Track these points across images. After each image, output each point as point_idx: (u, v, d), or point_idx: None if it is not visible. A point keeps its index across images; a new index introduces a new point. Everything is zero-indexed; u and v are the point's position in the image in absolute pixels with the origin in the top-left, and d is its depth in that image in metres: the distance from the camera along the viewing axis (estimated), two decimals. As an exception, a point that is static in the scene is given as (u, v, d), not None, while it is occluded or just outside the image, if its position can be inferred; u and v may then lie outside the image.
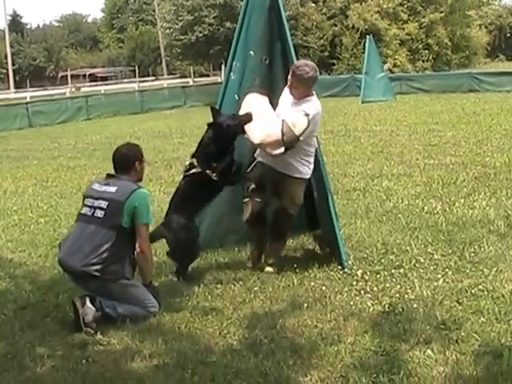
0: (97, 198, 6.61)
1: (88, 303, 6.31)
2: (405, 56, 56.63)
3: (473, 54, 66.72)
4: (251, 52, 8.03)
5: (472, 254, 7.81)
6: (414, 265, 7.56)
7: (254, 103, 7.63)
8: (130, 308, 6.51)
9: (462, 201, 10.45)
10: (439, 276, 7.17)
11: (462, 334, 5.75)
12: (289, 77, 7.45)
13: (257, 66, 8.10)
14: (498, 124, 20.60)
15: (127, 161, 6.75)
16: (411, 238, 8.52)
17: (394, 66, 53.72)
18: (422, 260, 7.68)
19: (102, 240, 6.43)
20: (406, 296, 6.71)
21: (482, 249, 7.98)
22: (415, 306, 6.44)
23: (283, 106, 7.66)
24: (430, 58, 58.90)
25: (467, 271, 7.28)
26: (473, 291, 6.69)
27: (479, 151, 15.59)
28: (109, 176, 6.82)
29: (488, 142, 16.79)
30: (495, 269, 7.24)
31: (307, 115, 7.31)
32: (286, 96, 7.68)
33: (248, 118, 7.39)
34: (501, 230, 8.75)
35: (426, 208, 10.14)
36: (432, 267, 7.46)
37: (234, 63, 8.07)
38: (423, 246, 8.15)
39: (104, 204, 6.52)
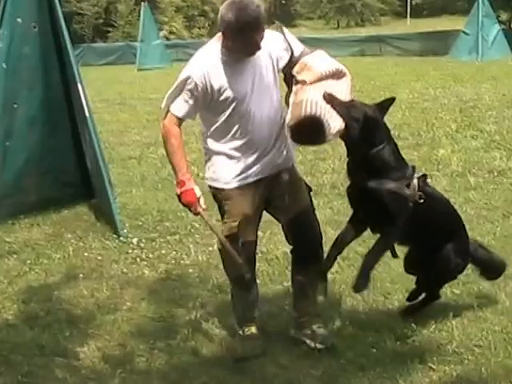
0: None
1: None
2: (181, 23, 56.80)
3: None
4: (19, 19, 7.78)
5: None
6: (190, 231, 7.67)
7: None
8: None
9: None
10: (214, 241, 7.25)
11: (238, 295, 5.91)
12: (255, 36, 4.47)
13: (25, 34, 7.87)
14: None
15: None
16: (187, 205, 8.59)
17: (170, 33, 53.78)
18: (198, 226, 7.75)
19: None
20: (182, 262, 6.82)
21: (256, 212, 8.18)
22: (191, 271, 6.56)
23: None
24: (206, 25, 59.43)
25: (241, 235, 7.45)
26: (247, 254, 6.85)
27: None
28: None
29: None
30: (269, 231, 7.36)
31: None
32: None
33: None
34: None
35: (200, 174, 10.04)
36: (207, 232, 7.54)
37: (0, 31, 7.78)
38: (199, 212, 8.24)
39: None
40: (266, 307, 5.55)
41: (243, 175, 4.77)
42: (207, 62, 4.60)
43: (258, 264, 6.41)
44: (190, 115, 4.69)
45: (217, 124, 4.72)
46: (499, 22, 33.73)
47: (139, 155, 11.94)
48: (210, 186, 4.93)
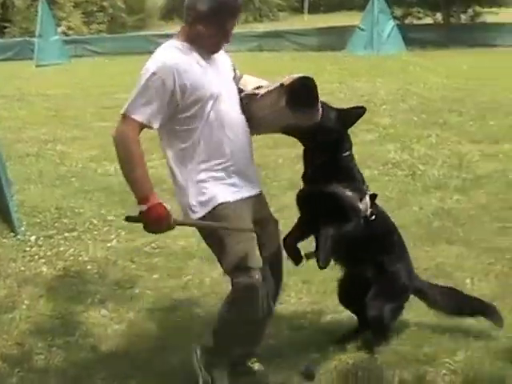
0: None
1: None
2: (79, 18, 56.02)
3: (148, 17, 67.54)
4: None
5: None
6: (88, 227, 7.66)
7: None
8: None
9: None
10: (113, 237, 7.31)
11: (136, 291, 5.96)
12: (230, 21, 4.15)
13: None
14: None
15: None
16: (85, 201, 8.58)
17: (69, 28, 52.97)
18: (96, 222, 7.78)
19: None
20: (80, 258, 6.80)
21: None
22: (89, 267, 6.56)
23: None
24: (105, 20, 58.79)
25: (140, 230, 7.40)
26: (146, 249, 6.92)
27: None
28: None
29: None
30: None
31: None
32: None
33: None
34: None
35: (99, 170, 10.24)
36: (106, 228, 7.58)
37: None
38: (97, 208, 8.21)
39: None
40: (165, 302, 5.67)
41: (236, 188, 4.18)
42: (174, 57, 4.05)
43: (156, 259, 6.55)
44: (152, 120, 3.97)
45: (192, 134, 4.10)
46: (394, 17, 34.39)
47: (37, 152, 11.78)
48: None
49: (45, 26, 33.29)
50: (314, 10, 59.96)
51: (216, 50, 4.22)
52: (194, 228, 4.70)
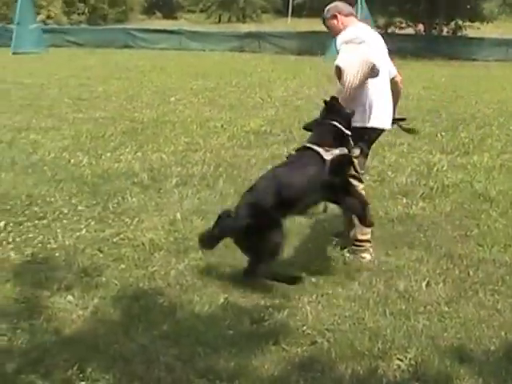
0: None
1: None
2: (60, 8, 55.77)
3: (129, 10, 67.37)
4: None
5: (115, 205, 8.10)
6: (58, 216, 7.68)
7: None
8: None
9: (109, 154, 10.76)
10: (82, 226, 7.36)
11: (103, 279, 6.00)
12: None
13: None
14: (150, 81, 21.34)
15: None
16: (56, 190, 8.59)
17: (48, 17, 52.74)
18: (66, 211, 7.81)
19: None
20: (49, 246, 6.82)
21: (126, 200, 8.32)
22: (57, 254, 6.59)
23: None
24: (86, 11, 58.60)
25: (110, 221, 7.55)
26: (114, 240, 6.97)
27: (129, 106, 16.08)
28: None
29: (138, 98, 17.37)
30: (137, 219, 7.58)
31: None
32: None
33: None
34: (144, 182, 9.17)
35: (72, 161, 10.28)
36: (75, 218, 7.62)
37: None
38: (68, 198, 8.27)
39: None
40: (130, 291, 5.76)
41: None
42: None
43: (124, 249, 6.63)
44: None
45: None
46: (376, 26, 34.63)
47: (10, 140, 11.79)
48: None
49: (24, 13, 33.19)
50: (297, 13, 60.15)
51: None
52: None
